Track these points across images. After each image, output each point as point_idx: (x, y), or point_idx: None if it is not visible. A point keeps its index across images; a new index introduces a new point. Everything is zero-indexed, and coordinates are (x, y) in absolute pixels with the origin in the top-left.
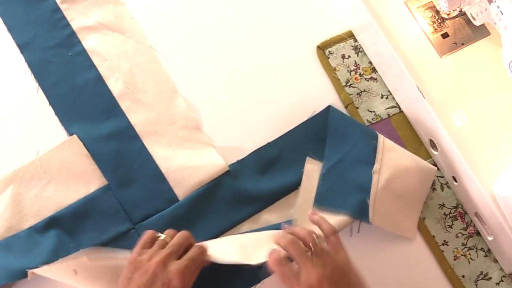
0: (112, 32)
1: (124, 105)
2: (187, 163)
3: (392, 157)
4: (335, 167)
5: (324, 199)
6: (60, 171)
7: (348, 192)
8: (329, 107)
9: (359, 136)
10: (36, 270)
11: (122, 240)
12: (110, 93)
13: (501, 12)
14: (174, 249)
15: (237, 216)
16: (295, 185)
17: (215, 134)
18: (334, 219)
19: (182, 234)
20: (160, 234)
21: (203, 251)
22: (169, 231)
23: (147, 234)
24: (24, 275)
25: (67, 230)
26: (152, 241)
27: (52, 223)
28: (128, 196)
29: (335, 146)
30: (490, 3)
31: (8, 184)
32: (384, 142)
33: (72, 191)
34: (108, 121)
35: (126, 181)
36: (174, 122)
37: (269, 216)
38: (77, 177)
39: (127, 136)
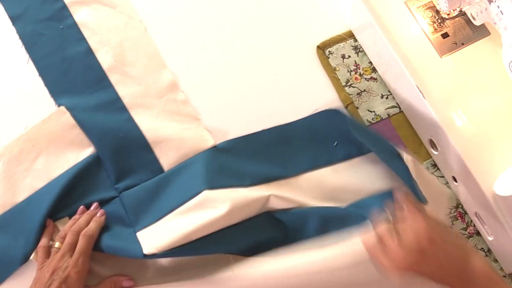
0: (103, 6)
1: (113, 78)
2: (173, 135)
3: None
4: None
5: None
6: (49, 143)
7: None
8: (334, 111)
9: (380, 142)
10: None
11: (105, 207)
12: (99, 66)
13: (501, 12)
14: (65, 250)
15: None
16: (279, 176)
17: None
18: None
19: (73, 230)
20: (52, 243)
21: (89, 239)
22: (79, 211)
23: (40, 249)
24: (26, 258)
25: (58, 198)
26: (48, 252)
27: (44, 193)
28: (115, 165)
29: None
30: (490, 3)
31: None
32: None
33: (62, 162)
34: (96, 93)
35: (113, 150)
36: (162, 95)
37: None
38: (66, 148)
39: (115, 107)
